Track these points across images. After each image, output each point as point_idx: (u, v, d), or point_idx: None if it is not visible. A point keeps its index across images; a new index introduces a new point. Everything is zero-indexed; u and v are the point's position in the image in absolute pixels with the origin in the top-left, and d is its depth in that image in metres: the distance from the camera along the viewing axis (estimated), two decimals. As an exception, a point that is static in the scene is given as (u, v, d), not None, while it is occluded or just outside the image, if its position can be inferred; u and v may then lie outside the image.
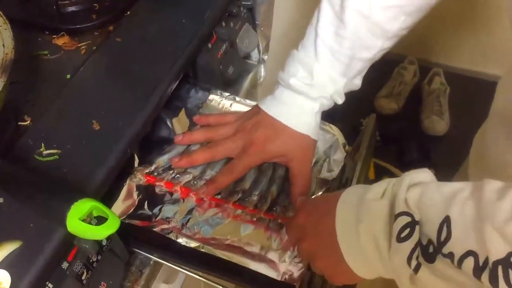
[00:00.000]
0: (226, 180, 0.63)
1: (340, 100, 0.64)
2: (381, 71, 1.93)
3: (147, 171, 0.64)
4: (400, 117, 1.84)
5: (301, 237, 0.53)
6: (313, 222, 0.52)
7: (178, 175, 0.65)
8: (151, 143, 0.67)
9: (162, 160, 0.66)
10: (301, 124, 0.63)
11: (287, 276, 0.56)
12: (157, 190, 0.64)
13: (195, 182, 0.64)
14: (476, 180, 0.39)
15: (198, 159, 0.65)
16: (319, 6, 0.61)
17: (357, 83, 0.66)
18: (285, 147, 0.63)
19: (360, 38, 0.60)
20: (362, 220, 0.45)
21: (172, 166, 0.65)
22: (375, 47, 0.61)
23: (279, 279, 0.56)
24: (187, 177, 0.65)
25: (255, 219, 0.61)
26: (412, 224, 0.41)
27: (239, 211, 0.62)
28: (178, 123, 0.70)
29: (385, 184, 0.45)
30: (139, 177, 0.63)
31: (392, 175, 1.60)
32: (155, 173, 0.64)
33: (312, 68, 0.61)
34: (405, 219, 0.41)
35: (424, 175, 0.44)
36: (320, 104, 0.63)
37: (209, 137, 0.67)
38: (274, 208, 0.63)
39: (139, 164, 0.65)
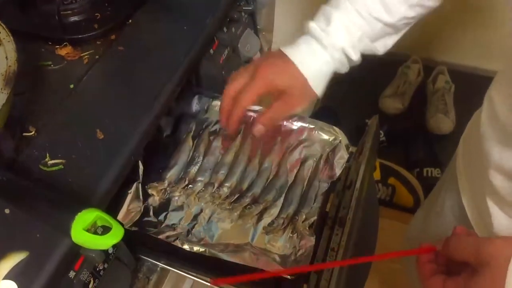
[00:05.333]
0: (239, 110, 0.63)
1: (354, 56, 0.63)
2: (385, 71, 1.92)
3: (161, 188, 0.65)
4: (405, 117, 1.83)
5: None
6: None
7: (190, 185, 0.66)
8: (155, 152, 0.68)
9: (172, 175, 0.67)
10: (304, 65, 0.62)
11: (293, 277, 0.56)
12: (174, 201, 0.65)
13: (203, 188, 0.66)
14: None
15: (223, 104, 0.65)
16: None
17: (378, 48, 0.65)
18: (288, 82, 0.63)
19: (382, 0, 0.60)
20: None
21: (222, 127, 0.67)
22: (397, 12, 0.61)
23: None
24: (199, 186, 0.66)
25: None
26: None
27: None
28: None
29: None
30: (154, 194, 0.65)
31: (398, 175, 1.60)
32: (172, 188, 0.66)
33: (330, 15, 0.62)
34: None
35: None
36: (330, 55, 0.62)
37: (232, 91, 0.65)
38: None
39: (144, 171, 0.65)
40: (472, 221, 0.70)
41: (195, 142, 0.71)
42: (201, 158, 0.69)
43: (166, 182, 0.66)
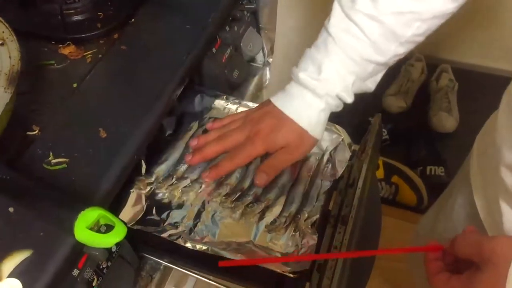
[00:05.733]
0: (228, 166, 0.65)
1: (349, 99, 0.64)
2: (388, 69, 1.92)
3: (148, 181, 0.64)
4: (409, 115, 1.83)
5: None
6: None
7: (176, 181, 0.65)
8: (157, 149, 0.68)
9: (161, 170, 0.66)
10: (302, 119, 0.63)
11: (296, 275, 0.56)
12: (159, 197, 0.64)
13: (190, 184, 0.65)
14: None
15: (210, 152, 0.66)
16: (332, 7, 0.62)
17: (369, 85, 0.65)
18: (287, 138, 0.64)
19: (372, 41, 0.59)
20: None
21: (186, 162, 0.67)
22: (388, 51, 0.60)
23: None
24: (184, 182, 0.65)
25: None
26: None
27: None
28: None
29: None
30: (141, 187, 0.64)
31: (401, 173, 1.60)
32: (156, 183, 0.65)
33: (321, 63, 0.61)
34: None
35: None
36: (325, 102, 0.63)
37: (221, 133, 0.68)
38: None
39: (146, 170, 0.66)
40: (484, 220, 0.70)
41: (188, 140, 0.71)
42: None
43: (154, 177, 0.66)
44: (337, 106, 0.65)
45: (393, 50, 0.60)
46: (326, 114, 0.65)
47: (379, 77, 0.65)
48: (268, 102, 0.67)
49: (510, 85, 0.65)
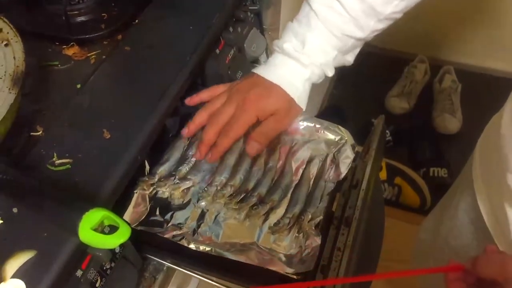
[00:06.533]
0: (227, 142, 0.65)
1: (330, 73, 0.65)
2: (391, 70, 1.92)
3: (151, 182, 0.64)
4: (412, 116, 1.83)
5: None
6: None
7: (178, 181, 0.65)
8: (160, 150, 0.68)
9: (163, 170, 0.66)
10: (290, 86, 0.64)
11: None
12: (162, 197, 0.64)
13: (193, 185, 0.65)
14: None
15: (210, 137, 0.65)
16: None
17: (349, 59, 0.67)
18: (276, 105, 0.65)
19: (353, 17, 0.62)
20: None
21: (196, 159, 0.67)
22: (367, 27, 0.63)
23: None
24: (187, 183, 0.65)
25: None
26: None
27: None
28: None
29: None
30: (144, 188, 0.64)
31: (404, 175, 1.59)
32: (159, 183, 0.65)
33: (304, 37, 0.63)
34: None
35: None
36: (310, 71, 0.64)
37: (210, 112, 0.67)
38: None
39: (149, 171, 0.66)
40: (489, 226, 0.69)
41: (189, 140, 0.71)
42: (194, 158, 0.68)
43: (157, 177, 0.66)
44: (320, 77, 0.66)
45: (372, 26, 0.63)
46: (309, 85, 0.66)
47: (357, 51, 0.67)
48: (252, 73, 0.67)
49: None
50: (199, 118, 0.67)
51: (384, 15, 0.62)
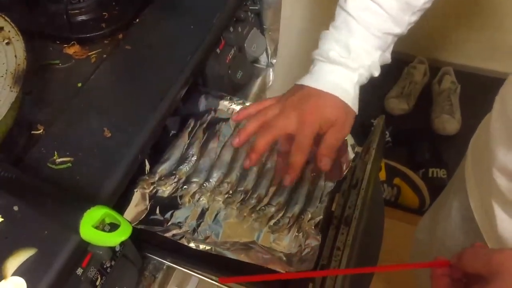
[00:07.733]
0: (301, 159, 0.62)
1: (377, 73, 0.66)
2: (390, 71, 1.91)
3: (151, 181, 0.65)
4: (411, 117, 1.83)
5: None
6: None
7: (179, 181, 0.66)
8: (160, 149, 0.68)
9: (163, 169, 0.67)
10: (342, 92, 0.64)
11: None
12: (162, 196, 0.65)
13: (193, 184, 0.65)
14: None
15: (261, 145, 0.63)
16: None
17: (387, 56, 0.68)
18: (335, 112, 0.64)
19: (390, 15, 0.63)
20: None
21: (233, 145, 0.66)
22: (404, 22, 0.64)
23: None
24: (194, 187, 0.65)
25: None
26: None
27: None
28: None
29: None
30: (145, 187, 0.64)
31: (403, 175, 1.60)
32: (159, 182, 0.65)
33: (348, 43, 0.63)
34: None
35: None
36: (359, 74, 0.64)
37: (261, 122, 0.65)
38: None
39: (150, 170, 0.66)
40: (479, 223, 0.70)
41: (189, 139, 0.71)
42: (195, 157, 0.69)
43: (157, 176, 0.66)
44: (366, 79, 0.66)
45: (407, 20, 0.64)
46: (358, 88, 0.66)
47: (392, 47, 0.68)
48: (301, 86, 0.65)
49: (502, 88, 0.66)
50: (251, 127, 0.65)
51: (418, 7, 0.64)
